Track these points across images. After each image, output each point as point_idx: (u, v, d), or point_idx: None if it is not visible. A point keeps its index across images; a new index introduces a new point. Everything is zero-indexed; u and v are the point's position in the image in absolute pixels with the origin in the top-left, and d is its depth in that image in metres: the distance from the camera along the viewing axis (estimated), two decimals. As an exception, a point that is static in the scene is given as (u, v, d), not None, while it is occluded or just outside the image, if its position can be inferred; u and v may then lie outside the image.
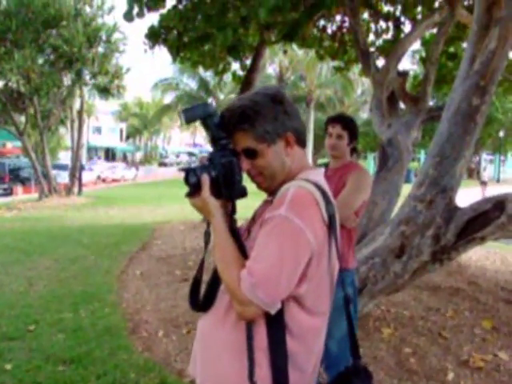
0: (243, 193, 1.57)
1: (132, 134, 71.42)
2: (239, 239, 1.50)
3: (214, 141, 1.54)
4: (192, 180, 1.48)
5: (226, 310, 1.49)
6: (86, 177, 29.10)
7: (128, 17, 6.37)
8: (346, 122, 3.16)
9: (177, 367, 3.99)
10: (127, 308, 5.56)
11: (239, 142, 1.52)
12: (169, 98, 41.38)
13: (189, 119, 1.52)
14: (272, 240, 1.38)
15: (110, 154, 65.83)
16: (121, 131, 69.59)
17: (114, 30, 18.75)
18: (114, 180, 36.18)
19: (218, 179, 1.51)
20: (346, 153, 3.17)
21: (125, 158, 67.37)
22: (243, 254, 1.45)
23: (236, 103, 1.54)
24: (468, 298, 6.11)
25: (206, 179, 1.48)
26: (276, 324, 1.41)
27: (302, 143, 1.59)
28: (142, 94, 64.80)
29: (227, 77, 11.14)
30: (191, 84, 38.05)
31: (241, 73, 10.82)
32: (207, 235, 1.59)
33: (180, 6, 7.23)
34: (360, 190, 2.97)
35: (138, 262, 8.03)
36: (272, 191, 1.56)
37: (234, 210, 1.58)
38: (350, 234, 2.99)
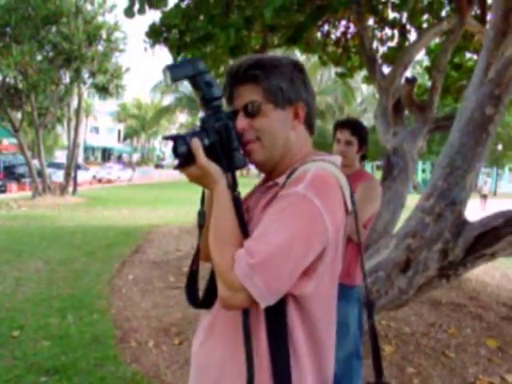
0: (244, 162, 1.30)
1: (130, 135, 71.21)
2: (242, 217, 1.23)
3: (205, 102, 1.29)
4: (181, 149, 1.22)
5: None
6: (82, 176, 28.84)
7: (129, 13, 6.15)
8: (355, 127, 2.93)
9: (166, 381, 3.76)
10: (117, 315, 5.32)
11: (243, 95, 1.29)
12: (168, 100, 41.16)
13: (176, 77, 1.27)
14: (283, 219, 1.13)
15: (106, 155, 65.60)
16: (118, 132, 69.46)
17: (115, 29, 18.59)
18: (110, 181, 35.92)
19: (213, 147, 1.25)
20: (355, 160, 2.96)
21: (119, 158, 67.12)
22: (244, 233, 1.20)
23: (250, 56, 1.32)
24: (470, 315, 5.91)
25: (197, 144, 1.22)
26: (278, 336, 1.18)
27: (310, 127, 1.38)
28: (141, 96, 64.71)
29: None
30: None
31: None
32: (201, 216, 1.35)
33: (183, 5, 7.04)
34: (369, 201, 2.76)
35: (131, 266, 7.80)
36: (267, 170, 1.34)
37: (235, 184, 1.30)
38: (359, 248, 2.77)
